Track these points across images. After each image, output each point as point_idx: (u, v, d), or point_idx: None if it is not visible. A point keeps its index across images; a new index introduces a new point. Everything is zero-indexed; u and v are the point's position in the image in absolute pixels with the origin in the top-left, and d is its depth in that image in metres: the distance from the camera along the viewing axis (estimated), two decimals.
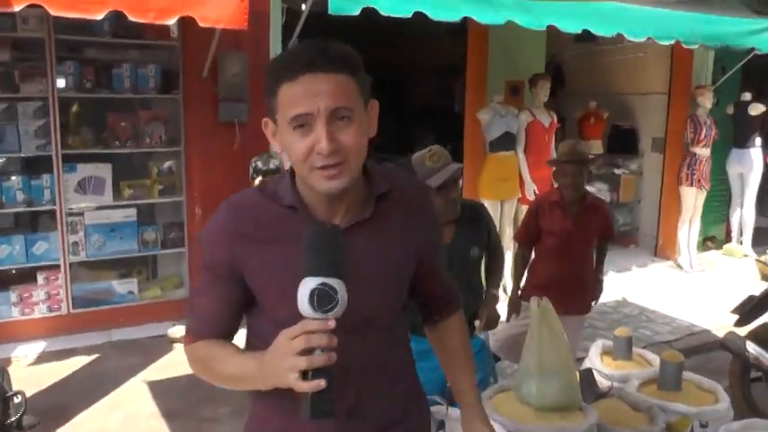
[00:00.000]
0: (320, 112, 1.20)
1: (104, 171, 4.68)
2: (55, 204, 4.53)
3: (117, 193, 4.78)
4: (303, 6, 5.15)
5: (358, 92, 1.26)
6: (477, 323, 2.81)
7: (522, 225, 3.72)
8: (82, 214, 4.65)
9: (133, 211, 4.81)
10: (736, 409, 2.52)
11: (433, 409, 2.29)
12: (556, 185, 3.56)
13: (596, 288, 3.62)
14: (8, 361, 4.25)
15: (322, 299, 1.12)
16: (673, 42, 5.06)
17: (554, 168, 3.51)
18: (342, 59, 1.24)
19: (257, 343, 1.35)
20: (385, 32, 7.18)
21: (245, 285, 1.34)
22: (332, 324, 1.12)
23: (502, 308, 3.16)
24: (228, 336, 1.40)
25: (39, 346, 4.46)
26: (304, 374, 1.13)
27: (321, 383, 1.11)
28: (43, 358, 4.36)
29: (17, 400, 2.57)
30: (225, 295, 1.36)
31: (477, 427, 1.58)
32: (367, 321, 1.32)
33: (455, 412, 2.43)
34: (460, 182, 2.71)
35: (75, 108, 4.65)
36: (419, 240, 1.42)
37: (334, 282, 1.13)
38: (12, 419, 2.49)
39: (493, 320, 2.91)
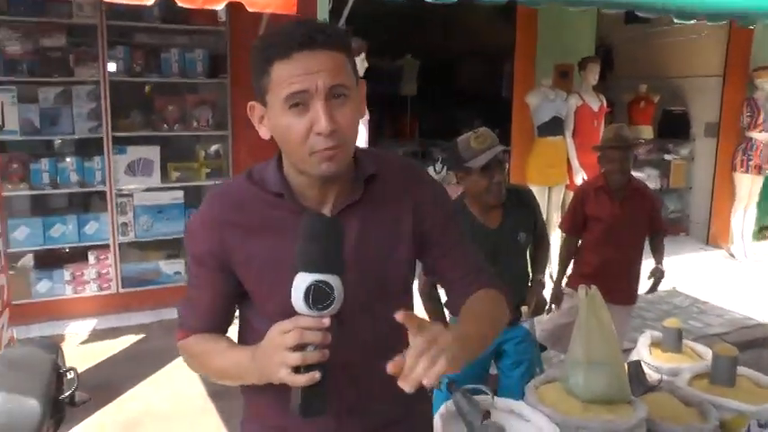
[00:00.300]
0: (318, 89, 1.16)
1: (153, 153, 4.76)
2: (105, 185, 4.64)
3: (165, 176, 4.86)
4: None
5: (351, 69, 1.22)
6: (524, 309, 2.78)
7: (567, 213, 3.65)
8: (131, 195, 4.76)
9: (180, 193, 4.89)
10: None
11: (478, 398, 2.28)
12: (602, 171, 3.48)
13: (656, 276, 3.54)
14: (62, 338, 4.40)
15: (317, 297, 1.08)
16: (728, 22, 4.86)
17: (599, 154, 3.43)
18: (337, 37, 1.20)
19: (250, 336, 1.33)
20: (432, 16, 7.13)
21: (236, 277, 1.30)
22: (326, 322, 1.09)
23: (547, 294, 3.13)
24: (221, 330, 1.37)
25: (89, 324, 4.60)
26: (296, 370, 1.09)
27: (315, 375, 1.08)
28: (94, 336, 4.49)
29: (70, 376, 2.63)
30: (216, 288, 1.32)
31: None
32: (364, 308, 1.27)
33: (501, 402, 2.43)
34: (506, 165, 2.67)
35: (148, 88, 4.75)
36: (415, 218, 1.34)
37: (331, 278, 1.09)
38: (65, 395, 2.55)
39: (540, 306, 2.90)
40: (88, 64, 4.46)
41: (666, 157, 7.21)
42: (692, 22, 4.61)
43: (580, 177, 5.60)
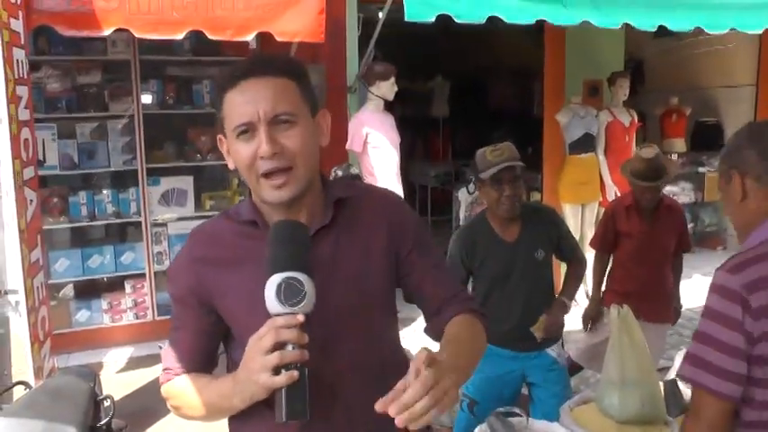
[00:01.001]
0: (260, 117, 1.20)
1: (186, 183, 4.86)
2: (140, 216, 4.74)
3: (198, 205, 4.95)
4: (379, 14, 5.23)
5: (300, 97, 1.25)
6: (533, 330, 2.72)
7: (597, 230, 3.62)
8: (165, 225, 4.85)
9: None
10: None
11: (513, 420, 2.26)
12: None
13: (675, 304, 3.48)
14: (100, 366, 4.48)
15: (288, 292, 1.10)
16: (761, 32, 4.80)
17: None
18: (280, 64, 1.25)
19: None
20: (461, 36, 7.17)
21: (217, 314, 1.31)
22: (300, 318, 1.10)
23: (573, 318, 3.07)
24: (205, 371, 1.36)
25: (127, 352, 4.68)
26: (276, 373, 1.10)
27: (294, 374, 1.09)
28: (131, 363, 4.57)
29: (107, 404, 2.68)
30: (197, 327, 1.33)
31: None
32: (348, 326, 1.28)
33: (536, 424, 2.40)
34: (521, 182, 2.67)
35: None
36: (390, 237, 1.36)
37: (300, 275, 1.12)
38: (102, 422, 2.59)
39: (552, 328, 2.74)
40: (122, 99, 4.59)
41: (701, 169, 7.09)
42: (724, 32, 4.58)
43: (613, 194, 5.54)
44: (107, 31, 3.35)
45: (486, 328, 1.40)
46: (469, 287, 2.85)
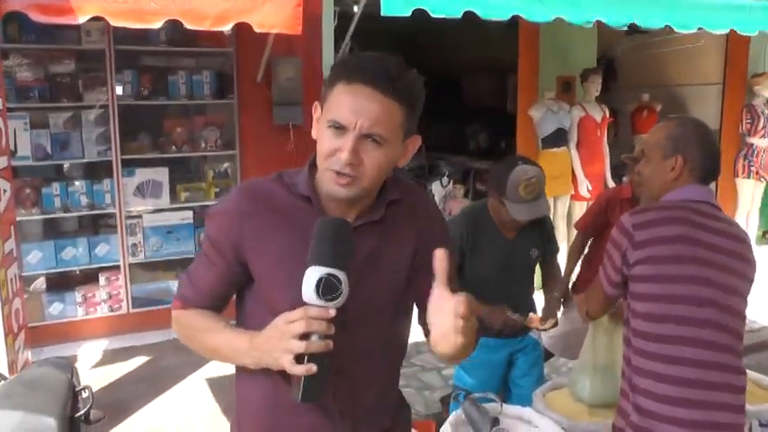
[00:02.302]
0: (355, 128, 1.24)
1: (161, 175, 4.83)
2: (115, 208, 4.70)
3: (174, 197, 4.92)
4: (355, 8, 5.24)
5: (401, 123, 1.29)
6: (533, 316, 2.81)
7: (587, 214, 3.66)
8: (140, 217, 4.82)
9: (189, 214, 4.95)
10: None
11: (488, 406, 2.32)
12: (626, 179, 3.50)
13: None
14: (74, 359, 4.44)
15: (327, 288, 1.17)
16: (727, 31, 4.93)
17: (628, 164, 3.45)
18: (400, 87, 1.27)
19: (250, 323, 1.38)
20: (436, 32, 7.21)
21: (245, 269, 1.37)
22: (332, 312, 1.17)
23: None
24: (218, 311, 1.44)
25: (101, 345, 4.64)
26: (298, 359, 1.17)
27: (312, 368, 1.16)
28: (105, 356, 4.53)
29: (85, 394, 2.67)
30: (225, 276, 1.39)
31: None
32: (369, 318, 1.34)
33: (509, 409, 2.46)
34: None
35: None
36: (418, 244, 1.43)
37: (340, 273, 1.18)
38: (80, 413, 2.58)
39: (553, 325, 2.91)
40: (97, 89, 4.54)
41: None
42: (692, 31, 4.69)
43: (585, 188, 5.64)
44: (82, 20, 3.30)
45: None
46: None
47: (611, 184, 5.88)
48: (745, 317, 1.95)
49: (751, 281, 1.96)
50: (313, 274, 1.17)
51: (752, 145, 6.50)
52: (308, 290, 1.18)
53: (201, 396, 4.03)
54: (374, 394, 1.44)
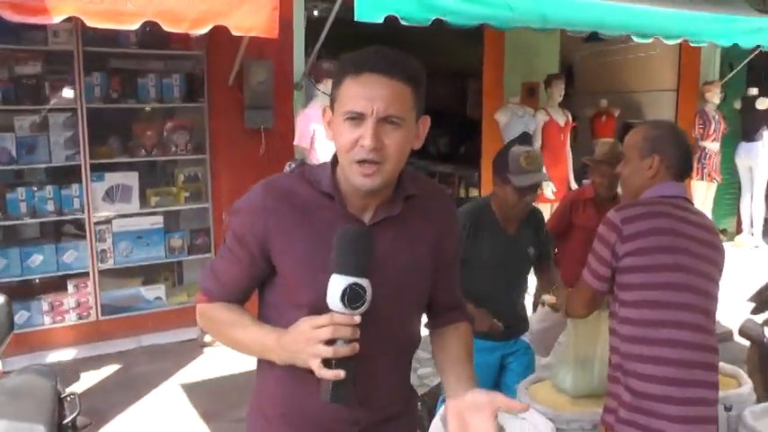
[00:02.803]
0: (373, 113, 1.28)
1: (131, 179, 4.75)
2: (84, 213, 4.60)
3: (144, 201, 4.85)
4: (315, 12, 5.28)
5: (413, 103, 1.34)
6: (548, 298, 2.85)
7: (553, 216, 3.79)
8: (110, 222, 4.72)
9: (160, 218, 4.88)
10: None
11: None
12: (588, 182, 3.63)
13: None
14: None
15: (353, 297, 1.21)
16: (680, 41, 5.16)
17: (591, 166, 3.57)
18: (406, 70, 1.32)
19: (273, 316, 1.43)
20: (398, 37, 7.29)
21: (269, 264, 1.40)
22: (357, 319, 1.22)
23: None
24: (241, 304, 1.48)
25: (70, 354, 4.53)
26: (326, 362, 1.23)
27: (340, 374, 1.22)
28: (75, 365, 4.42)
29: (71, 401, 2.62)
30: (249, 270, 1.42)
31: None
32: (388, 308, 1.36)
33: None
34: (539, 191, 2.85)
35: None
36: (437, 244, 1.47)
37: (364, 282, 1.22)
38: (67, 420, 2.54)
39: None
40: (64, 91, 4.44)
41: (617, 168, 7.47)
42: (650, 40, 4.90)
43: (549, 190, 5.78)
44: (57, 19, 3.25)
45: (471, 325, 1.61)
46: None
47: (573, 186, 6.05)
48: (717, 301, 2.12)
49: (721, 268, 2.13)
50: (338, 284, 1.21)
51: (704, 148, 6.78)
52: (334, 299, 1.22)
53: (177, 402, 3.98)
54: (391, 384, 1.49)
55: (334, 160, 1.40)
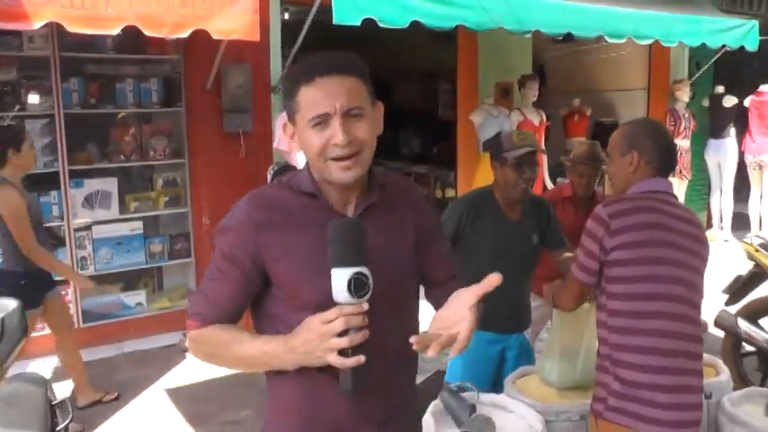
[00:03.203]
0: (337, 110, 1.35)
1: (110, 185, 4.73)
2: (63, 220, 4.57)
3: (123, 207, 4.83)
4: (286, 15, 5.30)
5: (366, 94, 1.41)
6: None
7: None
8: (89, 229, 4.69)
9: (140, 224, 4.87)
10: None
11: (464, 395, 2.42)
12: (565, 181, 3.70)
13: None
14: None
15: (358, 286, 1.25)
16: (652, 42, 5.30)
17: (569, 165, 3.65)
18: (352, 65, 1.40)
19: (276, 325, 1.42)
20: (368, 39, 7.33)
21: (264, 275, 1.42)
22: (365, 306, 1.26)
23: None
24: (235, 323, 1.46)
25: (51, 362, 4.47)
26: (342, 353, 1.26)
27: (362, 358, 1.26)
28: (57, 373, 4.38)
29: (63, 407, 2.62)
30: (242, 285, 1.43)
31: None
32: (383, 294, 1.36)
33: (484, 397, 2.58)
34: (538, 169, 2.88)
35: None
36: (417, 226, 1.53)
37: (365, 270, 1.26)
38: (60, 427, 2.54)
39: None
40: (42, 97, 4.40)
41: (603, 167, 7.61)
42: (623, 41, 5.02)
43: None
44: (37, 25, 3.24)
45: None
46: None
47: (549, 185, 6.15)
48: (703, 292, 2.18)
49: (706, 261, 2.19)
50: (341, 277, 1.25)
51: (675, 146, 6.94)
52: (341, 292, 1.26)
53: (163, 407, 3.97)
54: (400, 372, 1.52)
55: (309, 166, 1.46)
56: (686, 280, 2.09)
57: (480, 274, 3.04)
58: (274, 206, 1.43)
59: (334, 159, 1.36)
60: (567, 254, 2.86)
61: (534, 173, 2.80)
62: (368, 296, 1.27)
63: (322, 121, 1.35)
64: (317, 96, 1.35)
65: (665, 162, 2.22)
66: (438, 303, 1.56)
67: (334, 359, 1.27)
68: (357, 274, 1.25)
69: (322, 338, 1.27)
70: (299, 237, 1.40)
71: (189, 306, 1.49)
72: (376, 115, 1.46)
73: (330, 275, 1.27)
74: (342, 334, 1.26)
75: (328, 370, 1.32)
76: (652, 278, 2.06)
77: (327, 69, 1.35)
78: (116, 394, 4.08)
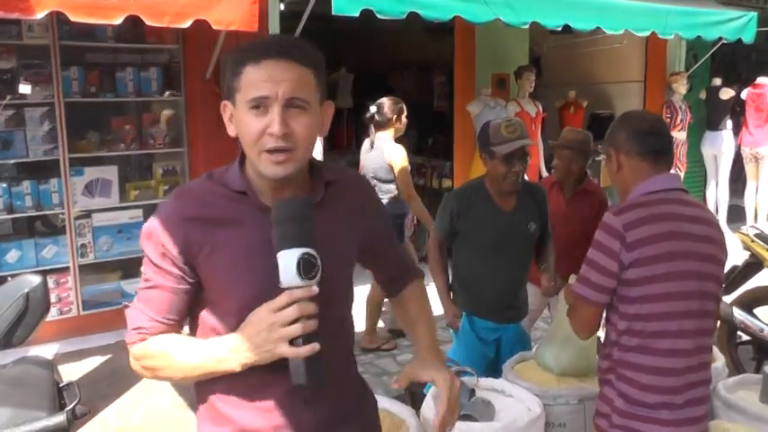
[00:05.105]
0: (278, 96, 1.25)
1: (110, 173, 4.75)
2: (63, 208, 4.59)
3: (123, 195, 4.85)
4: (281, 6, 5.31)
5: (315, 87, 1.31)
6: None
7: None
8: (89, 216, 4.72)
9: (139, 212, 4.89)
10: None
11: (464, 379, 2.47)
12: (551, 167, 3.75)
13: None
14: None
15: (307, 267, 1.18)
16: (648, 34, 5.33)
17: (554, 149, 3.70)
18: (306, 53, 1.30)
19: (207, 334, 1.34)
20: (365, 31, 7.36)
21: (195, 275, 1.33)
22: (316, 290, 1.19)
23: None
24: (176, 332, 1.36)
25: (51, 349, 4.51)
26: (292, 343, 1.20)
27: (316, 346, 1.18)
28: (57, 360, 4.40)
29: (70, 389, 2.67)
30: (177, 286, 1.33)
31: (428, 358, 1.53)
32: (324, 298, 1.27)
33: (484, 381, 2.63)
34: (528, 159, 2.87)
35: None
36: (366, 225, 1.49)
37: (314, 251, 1.20)
38: (67, 408, 2.59)
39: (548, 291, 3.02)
40: (41, 85, 4.41)
41: (596, 158, 7.65)
42: (620, 33, 5.05)
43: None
44: (40, 15, 3.23)
45: (423, 278, 1.72)
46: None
47: (545, 175, 6.20)
48: (720, 295, 2.05)
49: (723, 263, 2.01)
50: (289, 258, 1.18)
51: (671, 138, 6.99)
52: (289, 273, 1.18)
53: (164, 392, 4.01)
54: (339, 374, 1.43)
55: (242, 158, 1.37)
56: (705, 291, 1.93)
57: (478, 266, 3.07)
58: (202, 201, 1.34)
59: (268, 152, 1.27)
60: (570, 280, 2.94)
61: (525, 164, 2.76)
62: (317, 279, 1.20)
63: (261, 104, 1.25)
64: (261, 77, 1.25)
65: (651, 146, 1.97)
66: (390, 292, 1.71)
67: (287, 349, 1.19)
68: (305, 254, 1.18)
69: (272, 328, 1.20)
70: (229, 233, 1.31)
71: (128, 322, 1.37)
72: (322, 113, 1.36)
73: (260, 274, 1.24)
74: (293, 322, 1.19)
75: (274, 367, 1.24)
76: (669, 296, 1.88)
77: (278, 53, 1.26)
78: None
